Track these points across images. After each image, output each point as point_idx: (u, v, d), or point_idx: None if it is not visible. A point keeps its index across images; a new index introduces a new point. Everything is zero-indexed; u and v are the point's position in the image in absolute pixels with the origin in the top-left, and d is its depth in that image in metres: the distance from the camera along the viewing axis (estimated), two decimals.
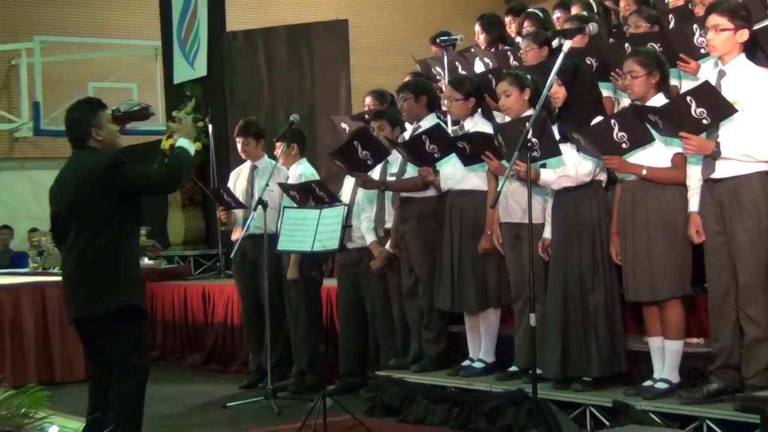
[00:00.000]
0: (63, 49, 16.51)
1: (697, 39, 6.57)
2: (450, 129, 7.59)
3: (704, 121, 5.73)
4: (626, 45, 7.10)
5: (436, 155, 7.37)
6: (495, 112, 7.62)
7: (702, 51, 6.51)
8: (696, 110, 5.72)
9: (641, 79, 6.16)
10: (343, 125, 9.65)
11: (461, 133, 7.27)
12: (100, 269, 5.63)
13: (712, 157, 5.81)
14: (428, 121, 7.72)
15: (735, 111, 5.67)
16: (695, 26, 6.65)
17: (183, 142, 6.01)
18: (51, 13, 16.67)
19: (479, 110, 7.43)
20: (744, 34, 5.86)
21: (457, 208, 7.37)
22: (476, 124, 7.31)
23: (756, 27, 6.23)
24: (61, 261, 6.06)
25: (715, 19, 5.88)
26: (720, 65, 5.93)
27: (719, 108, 5.69)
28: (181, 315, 11.25)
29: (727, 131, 5.75)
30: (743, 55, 5.91)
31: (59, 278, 10.39)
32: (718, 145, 5.75)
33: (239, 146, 9.28)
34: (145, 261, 5.92)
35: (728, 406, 5.67)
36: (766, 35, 6.14)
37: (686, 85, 6.57)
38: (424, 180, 7.56)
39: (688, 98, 5.78)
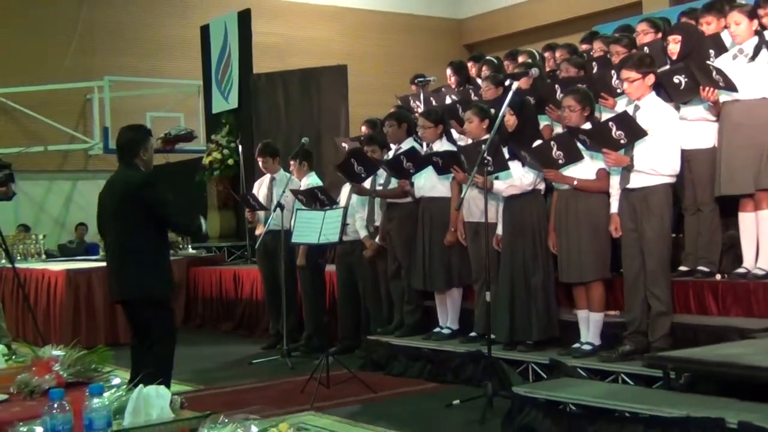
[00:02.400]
0: (126, 86, 16.48)
1: (614, 81, 6.58)
2: (424, 149, 7.59)
3: (622, 141, 5.75)
4: (556, 86, 7.12)
5: (411, 171, 7.39)
6: (459, 135, 7.64)
7: (618, 91, 6.53)
8: (616, 132, 5.74)
9: (577, 112, 6.17)
10: (344, 144, 9.67)
11: (435, 152, 7.26)
12: (133, 265, 5.61)
13: (627, 170, 5.82)
14: (407, 144, 7.72)
15: (646, 134, 5.70)
16: (612, 72, 6.67)
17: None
18: (118, 60, 16.63)
19: (444, 135, 7.45)
20: (651, 78, 5.88)
21: (428, 211, 7.38)
22: (443, 146, 7.33)
23: (659, 70, 6.25)
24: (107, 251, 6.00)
25: (625, 74, 5.91)
26: (635, 101, 5.96)
27: (634, 132, 5.71)
28: (217, 292, 11.23)
29: (639, 150, 5.77)
30: (653, 92, 5.93)
31: None
32: (632, 159, 5.77)
33: (260, 163, 9.29)
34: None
35: (638, 363, 5.67)
36: (668, 77, 6.14)
37: (605, 116, 6.58)
38: (403, 189, 7.58)
39: (610, 123, 5.80)
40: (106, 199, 5.83)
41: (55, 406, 2.74)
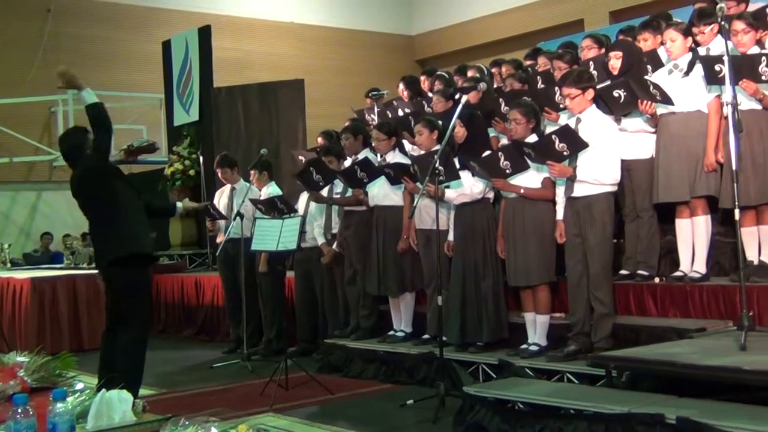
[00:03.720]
0: None
1: (557, 96, 6.64)
2: (377, 161, 7.60)
3: (565, 153, 5.81)
4: (500, 100, 7.17)
5: (365, 180, 7.39)
6: (411, 146, 7.65)
7: (560, 105, 6.58)
8: (559, 145, 5.80)
9: (523, 125, 6.22)
10: (300, 157, 9.64)
11: (386, 164, 7.27)
12: (109, 231, 5.71)
13: (571, 180, 5.87)
14: (363, 154, 7.72)
15: (587, 146, 5.76)
16: (556, 87, 6.73)
17: (89, 96, 5.77)
18: (81, 73, 16.11)
19: (397, 147, 7.46)
20: (590, 93, 5.96)
21: (381, 219, 7.38)
22: (395, 157, 7.34)
23: (599, 86, 6.33)
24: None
25: (566, 91, 5.98)
26: (576, 115, 6.02)
27: (576, 144, 5.77)
28: (179, 298, 11.14)
29: (582, 161, 5.82)
30: (594, 105, 6.00)
31: (86, 271, 10.41)
32: (575, 170, 5.82)
33: (219, 174, 9.26)
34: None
35: (582, 363, 5.71)
36: (608, 91, 6.21)
37: (549, 129, 6.63)
38: (357, 198, 7.59)
39: (553, 136, 5.85)
40: (76, 192, 5.90)
41: (19, 410, 2.70)
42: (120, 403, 2.98)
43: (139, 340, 5.73)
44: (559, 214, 6.04)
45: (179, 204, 6.69)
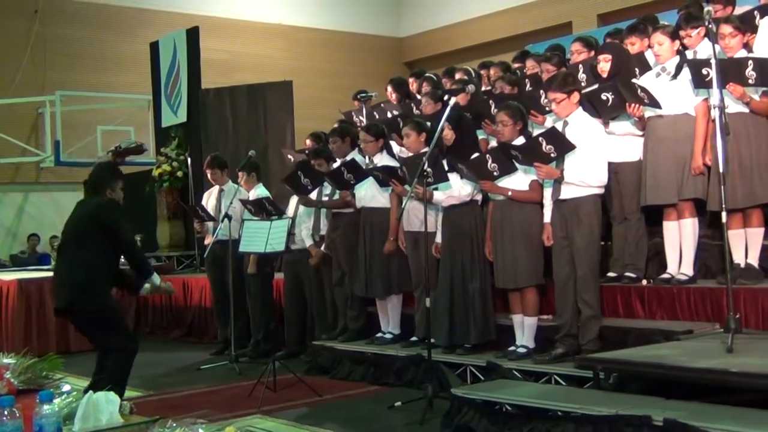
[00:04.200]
0: (78, 101, 16.25)
1: (543, 100, 6.65)
2: (365, 163, 7.59)
3: (552, 155, 5.82)
4: (490, 102, 7.18)
5: (352, 182, 7.39)
6: (399, 148, 7.65)
7: (547, 108, 6.59)
8: (546, 147, 5.80)
9: (510, 127, 6.23)
10: (290, 156, 9.65)
11: (374, 166, 7.26)
12: (75, 275, 5.58)
13: (558, 183, 5.88)
14: (351, 157, 7.72)
15: (574, 147, 5.77)
16: (542, 90, 6.73)
17: (156, 280, 5.89)
18: (69, 74, 16.42)
19: (385, 149, 7.46)
20: (576, 96, 5.97)
21: (368, 220, 7.37)
22: (383, 159, 7.34)
23: (587, 89, 6.34)
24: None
25: (552, 95, 6.00)
26: (564, 118, 6.03)
27: (563, 145, 5.78)
28: (166, 300, 11.10)
29: (569, 163, 5.84)
30: (580, 108, 6.01)
31: None
32: (562, 172, 5.83)
33: (208, 175, 9.24)
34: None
35: (569, 365, 5.71)
36: (596, 94, 6.23)
37: (536, 132, 6.64)
38: (344, 200, 7.58)
39: (540, 138, 5.86)
40: (70, 220, 5.84)
41: (6, 413, 2.68)
42: (107, 404, 2.96)
43: (124, 360, 5.66)
44: (547, 217, 6.04)
45: (146, 286, 6.04)
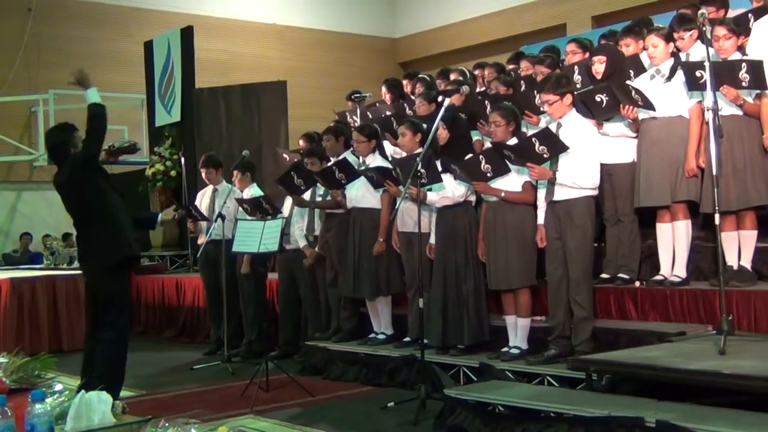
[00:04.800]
0: (71, 99, 16.17)
1: (538, 100, 6.66)
2: (357, 163, 7.58)
3: (545, 156, 5.83)
4: (486, 102, 7.18)
5: (343, 181, 7.38)
6: (393, 149, 7.65)
7: (542, 109, 6.60)
8: (539, 147, 5.81)
9: (502, 128, 6.23)
10: (285, 155, 9.65)
11: (367, 167, 7.25)
12: (100, 236, 5.67)
13: (551, 184, 5.89)
14: (343, 156, 7.71)
15: (567, 148, 5.78)
16: (536, 91, 6.74)
17: (93, 95, 5.81)
18: (62, 73, 16.26)
19: (377, 149, 7.46)
20: (568, 98, 5.98)
21: (358, 221, 7.37)
22: (375, 160, 7.33)
23: (581, 91, 6.35)
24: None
25: (544, 97, 6.01)
26: (557, 120, 6.03)
27: (555, 146, 5.79)
28: (159, 300, 11.11)
29: (562, 165, 5.85)
30: (574, 110, 6.02)
31: (66, 272, 10.36)
32: (555, 173, 5.84)
33: (203, 175, 9.23)
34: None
35: (562, 366, 5.72)
36: (590, 96, 6.24)
37: (530, 133, 6.65)
38: (335, 200, 7.58)
39: (533, 139, 5.87)
40: (63, 193, 5.81)
41: None
42: (99, 404, 2.96)
43: (120, 340, 5.71)
44: (540, 218, 6.05)
45: (160, 215, 6.51)
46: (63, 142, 5.82)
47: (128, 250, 5.79)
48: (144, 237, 12.22)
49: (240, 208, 8.45)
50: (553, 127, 5.99)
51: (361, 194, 7.32)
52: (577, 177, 5.80)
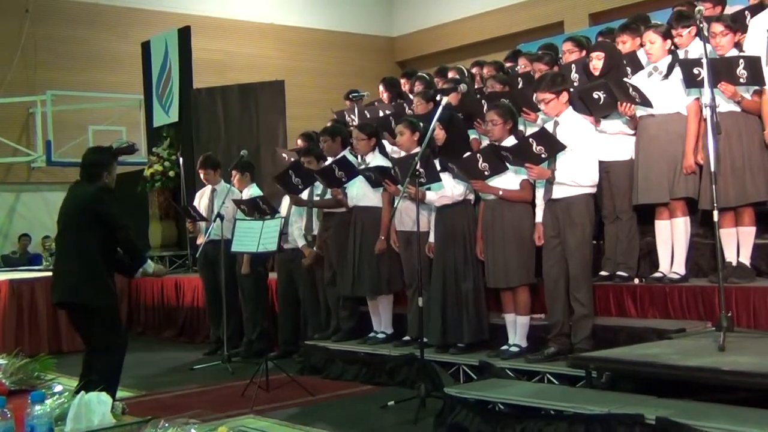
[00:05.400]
0: (69, 101, 16.22)
1: (536, 98, 6.66)
2: (357, 162, 7.59)
3: (542, 155, 5.82)
4: (483, 101, 7.18)
5: (343, 180, 7.38)
6: (392, 148, 7.65)
7: (540, 106, 6.60)
8: (536, 147, 5.81)
9: (499, 126, 6.23)
10: (284, 154, 9.66)
11: (367, 166, 7.25)
12: (76, 271, 5.47)
13: (550, 183, 5.89)
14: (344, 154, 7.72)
15: (564, 147, 5.78)
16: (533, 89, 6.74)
17: (149, 268, 5.78)
18: (60, 74, 16.38)
19: (377, 148, 7.45)
20: (564, 96, 5.98)
21: (359, 219, 7.36)
22: (375, 158, 7.33)
23: (579, 88, 6.35)
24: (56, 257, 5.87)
25: (541, 96, 6.02)
26: (554, 118, 6.04)
27: (553, 146, 5.79)
28: (159, 300, 11.10)
29: (560, 163, 5.85)
30: (570, 108, 6.02)
31: None
32: (553, 172, 5.84)
33: (201, 175, 9.23)
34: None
35: (562, 364, 5.72)
36: (587, 93, 6.24)
37: (529, 130, 6.66)
38: (335, 198, 7.57)
39: (530, 139, 5.87)
40: (66, 209, 5.71)
41: None
42: (99, 405, 2.95)
43: (116, 360, 5.61)
44: (538, 217, 6.05)
45: (148, 266, 5.91)
46: (100, 163, 5.69)
47: (104, 299, 5.59)
48: (143, 237, 12.24)
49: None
50: (550, 126, 5.99)
51: (362, 193, 7.32)
52: (576, 175, 5.80)
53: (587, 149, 5.87)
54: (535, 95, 6.40)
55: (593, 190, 5.95)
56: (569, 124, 5.92)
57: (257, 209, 8.03)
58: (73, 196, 5.67)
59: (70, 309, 5.66)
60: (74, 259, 5.53)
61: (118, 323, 5.79)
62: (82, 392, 2.99)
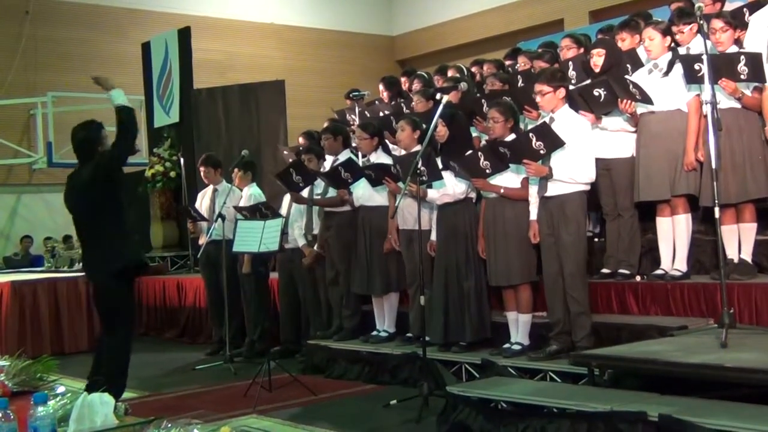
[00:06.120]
0: (69, 102, 16.22)
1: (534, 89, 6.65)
2: (360, 161, 7.59)
3: (541, 151, 5.81)
4: (483, 100, 7.17)
5: (349, 180, 7.38)
6: (392, 146, 7.65)
7: (536, 98, 6.58)
8: (535, 143, 5.80)
9: (501, 124, 6.22)
10: (285, 152, 9.66)
11: (367, 165, 7.26)
12: (110, 241, 5.61)
13: (546, 180, 5.88)
14: (344, 155, 7.71)
15: (563, 144, 5.76)
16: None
17: (118, 96, 5.69)
18: (61, 75, 16.40)
19: (380, 147, 7.45)
20: (562, 92, 5.96)
21: (367, 219, 7.37)
22: (379, 157, 7.32)
23: (579, 85, 6.35)
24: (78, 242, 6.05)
25: (538, 87, 5.99)
26: (550, 113, 6.03)
27: (552, 141, 5.77)
28: (161, 301, 11.10)
29: (557, 160, 5.83)
30: (566, 105, 6.00)
31: (67, 274, 10.35)
32: (550, 169, 5.83)
33: (202, 173, 9.23)
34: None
35: (564, 362, 5.71)
36: (588, 90, 6.23)
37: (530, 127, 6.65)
38: (341, 198, 7.57)
39: (530, 134, 5.86)
40: (74, 199, 5.74)
41: (0, 415, 2.68)
42: (102, 406, 2.95)
43: (122, 347, 5.70)
44: (533, 214, 6.04)
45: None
46: (90, 139, 5.72)
47: (133, 258, 5.75)
48: (144, 238, 12.25)
49: None
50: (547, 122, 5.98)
51: (368, 193, 7.32)
52: (573, 172, 5.78)
53: (583, 146, 5.85)
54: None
55: (588, 187, 5.93)
56: (565, 121, 5.90)
57: (258, 213, 8.02)
58: (76, 185, 5.71)
59: (104, 282, 5.73)
60: (95, 234, 5.67)
61: (133, 305, 6.02)
62: (85, 393, 2.99)
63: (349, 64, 19.48)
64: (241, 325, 8.91)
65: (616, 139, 6.33)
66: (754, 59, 5.52)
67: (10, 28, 16.25)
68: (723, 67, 5.56)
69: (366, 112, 8.97)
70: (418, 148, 6.50)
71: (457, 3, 19.11)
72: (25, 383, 3.74)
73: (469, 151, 6.48)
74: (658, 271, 6.22)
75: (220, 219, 8.30)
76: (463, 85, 7.97)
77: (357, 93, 9.42)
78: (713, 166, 4.98)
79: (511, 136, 6.19)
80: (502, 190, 6.14)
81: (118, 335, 5.66)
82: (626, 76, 6.20)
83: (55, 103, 15.84)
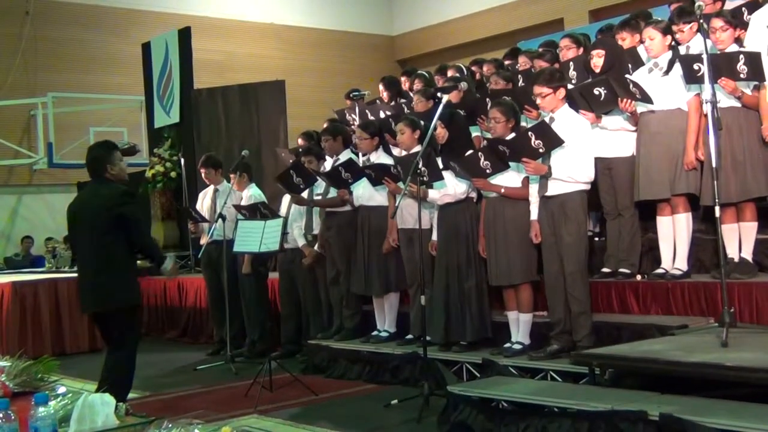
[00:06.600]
0: (70, 102, 16.24)
1: (533, 91, 6.64)
2: (360, 161, 7.59)
3: (540, 150, 5.81)
4: (486, 99, 7.17)
5: (350, 181, 7.38)
6: (393, 148, 7.65)
7: (536, 100, 6.58)
8: (534, 142, 5.80)
9: (502, 123, 6.21)
10: (283, 154, 9.65)
11: (368, 164, 7.26)
12: (109, 277, 5.49)
13: (545, 179, 5.88)
14: (345, 155, 7.70)
15: (562, 142, 5.76)
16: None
17: (168, 264, 5.83)
18: (61, 76, 16.41)
19: (381, 147, 7.45)
20: (561, 92, 5.97)
21: (366, 219, 7.37)
22: (379, 157, 7.32)
23: (579, 84, 6.34)
24: (76, 263, 5.89)
25: (537, 89, 5.99)
26: (550, 113, 6.03)
27: (551, 140, 5.78)
28: (162, 301, 11.11)
29: (556, 159, 5.83)
30: (566, 105, 6.00)
31: (68, 275, 10.34)
32: (550, 168, 5.83)
33: (203, 174, 9.23)
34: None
35: (565, 361, 5.72)
36: (588, 89, 6.23)
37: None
38: (342, 198, 7.56)
39: (529, 133, 5.86)
40: (80, 213, 5.69)
41: (1, 415, 2.67)
42: (103, 406, 2.95)
43: (129, 358, 5.66)
44: (534, 214, 6.04)
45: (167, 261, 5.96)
46: (99, 158, 5.70)
47: (135, 298, 5.73)
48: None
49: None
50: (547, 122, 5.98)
51: (368, 193, 7.32)
52: (573, 171, 5.78)
53: (583, 145, 5.85)
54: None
55: (588, 186, 5.93)
56: (565, 120, 5.90)
57: (258, 213, 8.02)
58: (92, 197, 5.65)
59: (106, 314, 5.65)
60: (103, 264, 5.52)
61: (138, 319, 5.94)
62: (86, 393, 2.98)
63: (349, 64, 19.48)
64: (243, 325, 8.91)
65: (616, 138, 6.33)
66: (754, 58, 5.52)
67: (10, 29, 16.25)
68: (723, 66, 5.56)
69: (366, 112, 8.95)
70: (418, 148, 6.49)
71: (457, 3, 19.11)
72: (26, 384, 3.73)
73: (470, 151, 6.48)
74: (659, 271, 6.22)
75: (220, 219, 8.29)
76: (464, 85, 7.96)
77: (357, 93, 9.42)
78: (713, 165, 4.97)
79: (512, 136, 6.19)
80: (502, 190, 6.14)
81: (124, 350, 5.61)
82: (626, 76, 6.20)
83: (56, 104, 15.85)
